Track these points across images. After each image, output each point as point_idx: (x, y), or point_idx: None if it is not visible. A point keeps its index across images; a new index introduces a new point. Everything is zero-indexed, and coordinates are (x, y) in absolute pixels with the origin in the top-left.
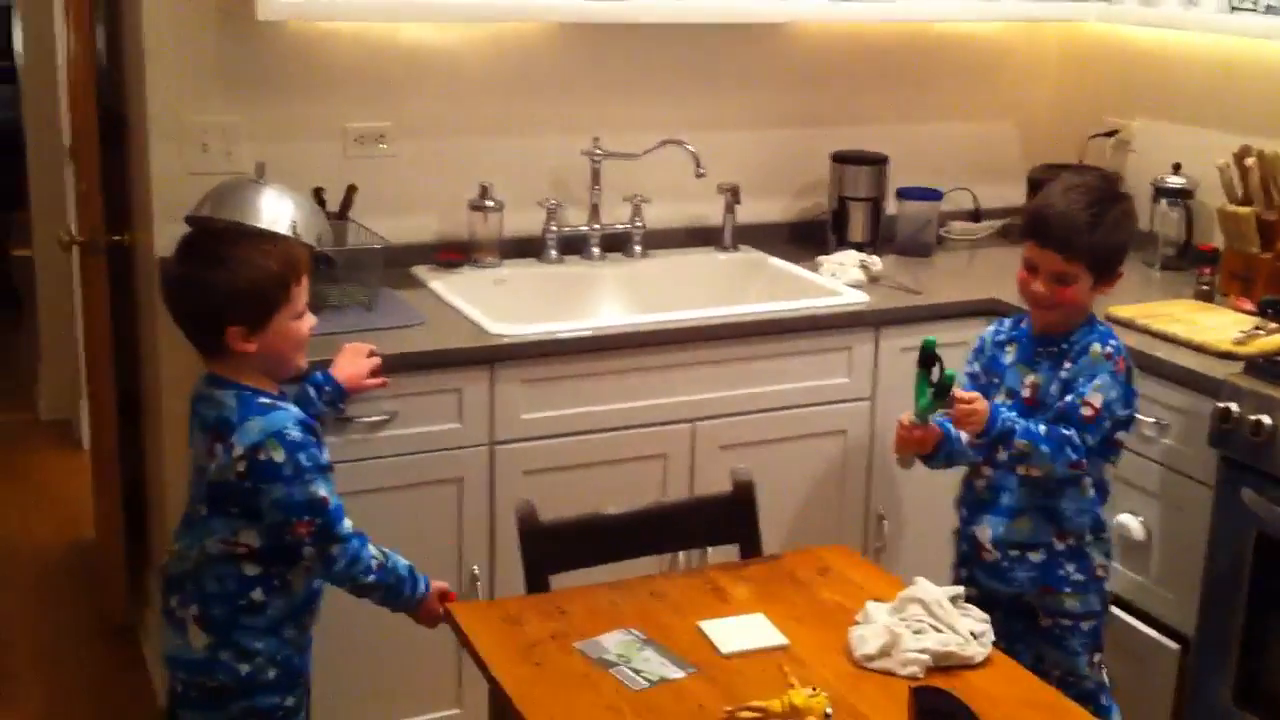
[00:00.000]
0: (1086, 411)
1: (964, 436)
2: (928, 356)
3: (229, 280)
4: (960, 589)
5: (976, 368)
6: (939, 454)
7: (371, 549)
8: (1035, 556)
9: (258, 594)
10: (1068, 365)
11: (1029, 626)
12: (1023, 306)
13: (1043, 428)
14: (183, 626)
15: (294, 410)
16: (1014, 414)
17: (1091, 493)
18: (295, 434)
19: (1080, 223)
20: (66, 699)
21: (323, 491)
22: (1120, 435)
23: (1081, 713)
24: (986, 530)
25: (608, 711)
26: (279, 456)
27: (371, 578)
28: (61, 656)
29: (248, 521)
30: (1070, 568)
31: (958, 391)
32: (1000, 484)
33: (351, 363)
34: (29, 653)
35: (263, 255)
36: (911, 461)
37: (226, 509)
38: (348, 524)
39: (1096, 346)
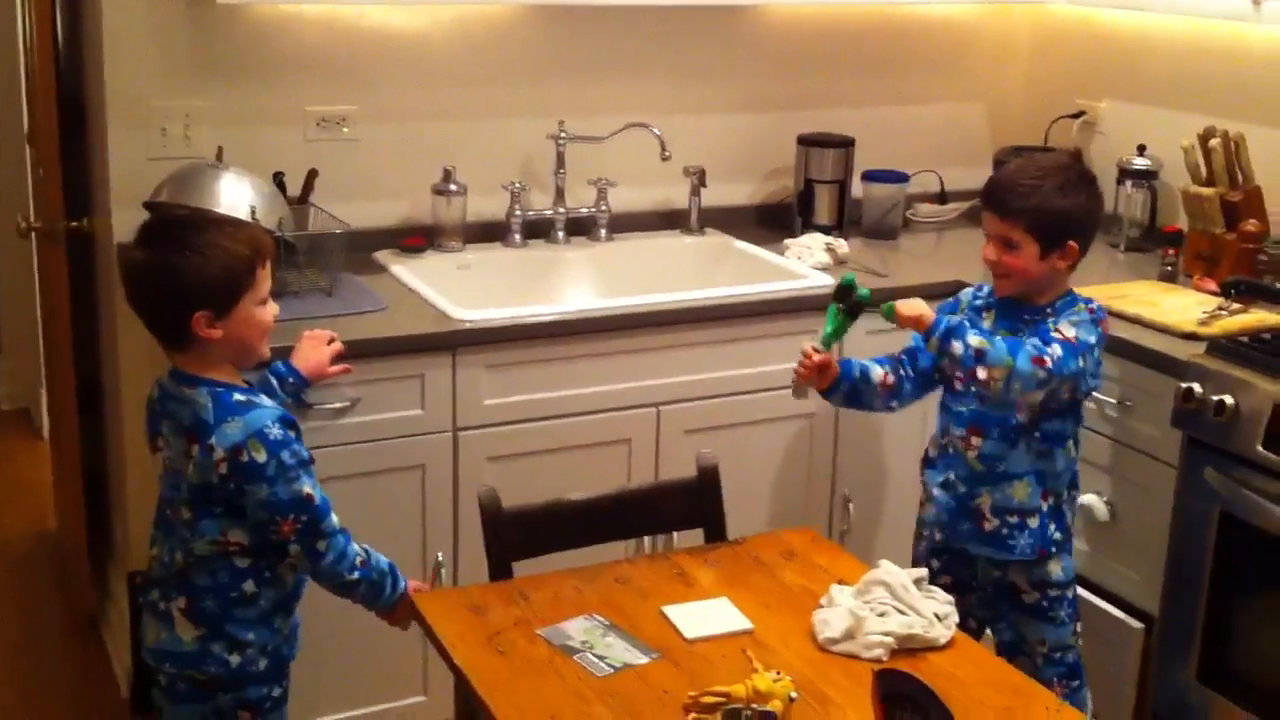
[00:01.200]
0: (1056, 335)
1: (875, 374)
2: (843, 291)
3: (199, 266)
4: (924, 571)
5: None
6: (838, 388)
7: (355, 546)
8: (1033, 522)
9: (249, 586)
10: (1052, 322)
11: (1011, 605)
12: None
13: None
14: (168, 619)
15: (272, 406)
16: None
17: (1073, 451)
18: (276, 432)
19: (1021, 186)
20: (33, 691)
21: (308, 488)
22: (1082, 399)
23: (1046, 693)
24: (987, 499)
25: (572, 698)
26: (261, 456)
27: (356, 574)
28: (27, 648)
29: (235, 520)
30: (1052, 526)
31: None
32: (992, 452)
33: (312, 350)
34: None
35: (230, 240)
36: (805, 392)
37: (211, 510)
38: (334, 519)
39: (1081, 304)
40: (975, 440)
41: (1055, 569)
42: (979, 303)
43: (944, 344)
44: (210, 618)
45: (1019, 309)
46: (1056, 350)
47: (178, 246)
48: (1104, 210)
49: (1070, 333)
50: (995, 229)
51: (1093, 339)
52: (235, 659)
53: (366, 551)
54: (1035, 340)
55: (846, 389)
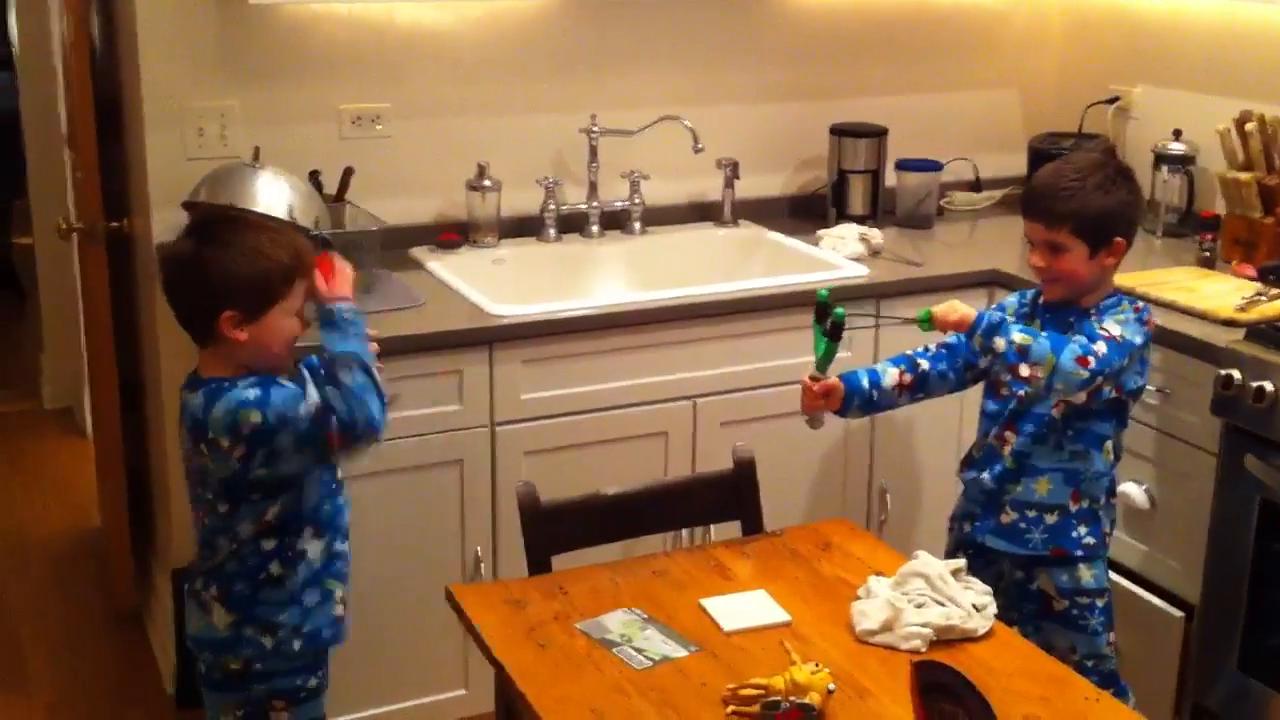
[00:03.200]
0: (1102, 333)
1: (889, 378)
2: (821, 309)
3: (236, 265)
4: (962, 562)
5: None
6: (850, 405)
7: (343, 378)
8: (1051, 518)
9: (275, 568)
10: (1096, 321)
11: (1038, 611)
12: (1024, 278)
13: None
14: (206, 607)
15: (246, 379)
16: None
17: (1112, 456)
18: (254, 393)
19: (1061, 190)
20: (77, 686)
21: (311, 401)
22: (1124, 400)
23: (1084, 683)
24: (1011, 493)
25: (611, 692)
26: (256, 418)
27: (363, 377)
28: (71, 644)
29: (271, 499)
30: (1082, 530)
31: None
32: (1023, 450)
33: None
34: (39, 641)
35: (272, 245)
36: (821, 420)
37: (248, 497)
38: (338, 402)
39: (1125, 303)
40: (1009, 436)
41: (1086, 575)
42: (1024, 309)
43: (987, 341)
44: (241, 602)
45: (1065, 312)
46: (1101, 348)
47: (219, 244)
48: (1144, 203)
49: (1116, 331)
50: (1041, 235)
51: (1139, 339)
52: (269, 641)
53: (336, 359)
54: (1081, 338)
55: (860, 403)
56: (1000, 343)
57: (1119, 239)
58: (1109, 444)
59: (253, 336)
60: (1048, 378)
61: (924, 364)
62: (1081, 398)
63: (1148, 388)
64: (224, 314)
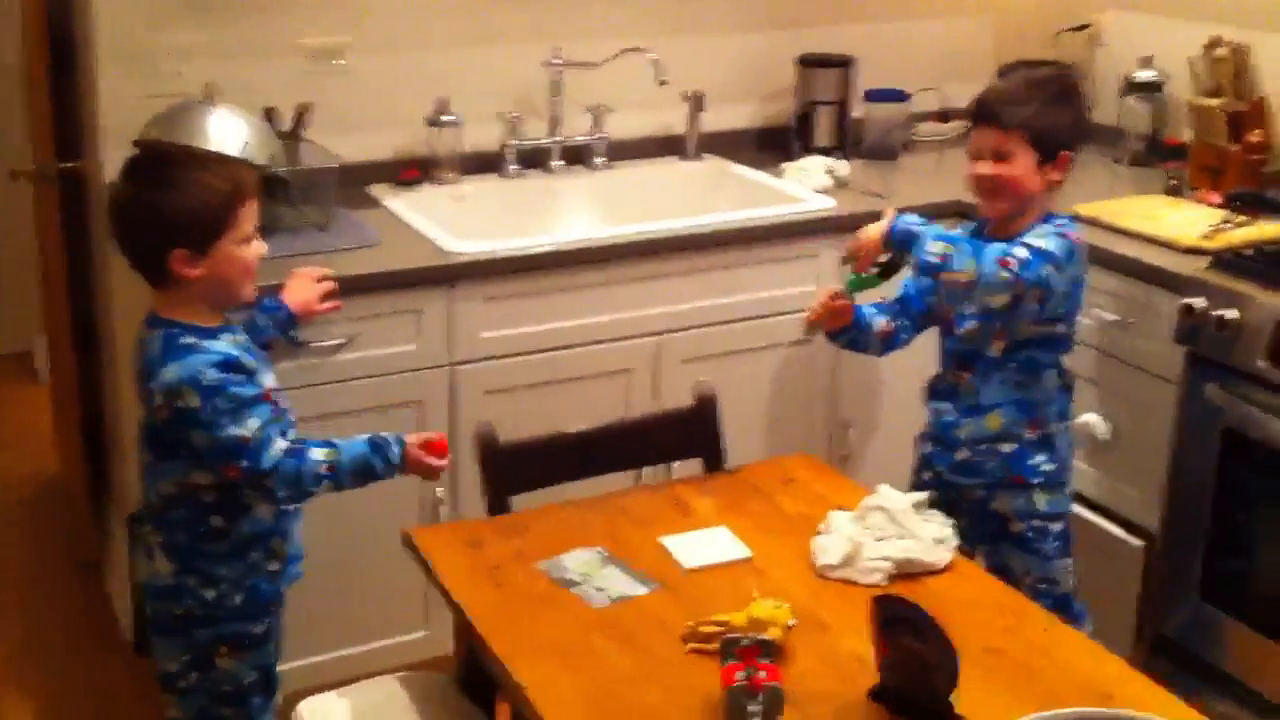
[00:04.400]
0: (1019, 250)
1: (877, 324)
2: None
3: (175, 201)
4: (924, 495)
5: None
6: (844, 333)
7: (316, 455)
8: (1006, 447)
9: (217, 521)
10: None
11: (996, 533)
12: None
13: None
14: (151, 553)
15: (215, 349)
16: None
17: (1058, 382)
18: (211, 376)
19: (1016, 95)
20: (36, 635)
21: (243, 430)
22: (1062, 329)
23: (1044, 613)
24: (966, 430)
25: (571, 630)
26: (195, 402)
27: (325, 484)
28: (30, 592)
29: (195, 463)
30: (1040, 458)
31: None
32: (976, 386)
33: (302, 287)
34: (1, 588)
35: (211, 176)
36: (815, 332)
37: (173, 453)
38: (275, 450)
39: (1047, 225)
40: (965, 375)
41: (1041, 500)
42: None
43: (898, 250)
44: (183, 553)
45: (997, 238)
46: (1021, 252)
47: (156, 182)
48: (1089, 121)
49: (1035, 242)
50: (991, 142)
51: (1058, 250)
52: (210, 593)
53: (335, 449)
54: (1000, 245)
55: (856, 335)
56: (914, 255)
57: (1065, 152)
58: (1052, 372)
59: (208, 270)
60: (971, 281)
61: (896, 321)
62: (1002, 300)
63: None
64: (174, 252)
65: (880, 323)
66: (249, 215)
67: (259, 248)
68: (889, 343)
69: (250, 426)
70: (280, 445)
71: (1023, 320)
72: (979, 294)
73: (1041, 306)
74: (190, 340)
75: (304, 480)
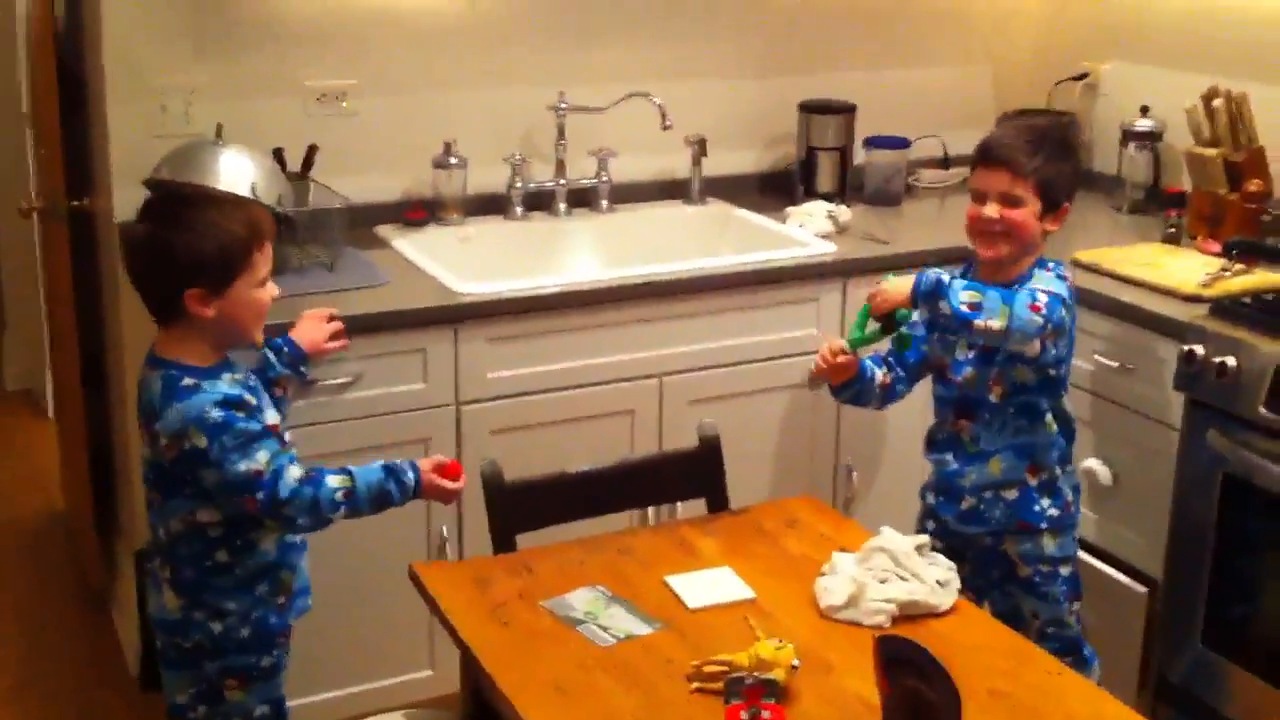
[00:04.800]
0: (1040, 295)
1: (879, 376)
2: (893, 321)
3: (192, 243)
4: (926, 538)
5: (915, 315)
6: (848, 388)
7: (332, 482)
8: (1010, 494)
9: (222, 555)
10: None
11: (1005, 576)
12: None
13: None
14: (160, 587)
15: (219, 387)
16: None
17: (1055, 426)
18: (215, 415)
19: (1028, 143)
20: (41, 668)
21: (254, 465)
22: (1059, 371)
23: (1047, 657)
24: (970, 478)
25: (576, 669)
26: (201, 443)
27: (341, 510)
28: (36, 626)
29: (203, 500)
30: (1045, 502)
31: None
32: (978, 434)
33: (311, 328)
34: (7, 623)
35: (227, 219)
36: (820, 385)
37: (179, 491)
38: (290, 478)
39: (1039, 271)
40: (964, 424)
41: (1049, 544)
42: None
43: (932, 304)
44: (190, 587)
45: (994, 286)
46: (1043, 295)
47: (174, 223)
48: (1083, 175)
49: (1048, 287)
50: (1001, 186)
51: (1065, 293)
52: (217, 626)
53: (350, 476)
54: (1026, 288)
55: (858, 390)
56: (946, 306)
57: (1066, 205)
58: (1048, 416)
59: (220, 312)
60: (1005, 328)
61: (893, 374)
62: (1035, 348)
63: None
64: (189, 292)
65: (880, 375)
66: (264, 259)
67: (272, 290)
68: (887, 395)
69: (260, 460)
70: (295, 473)
71: (1020, 365)
72: (1013, 341)
73: (1056, 347)
74: (191, 381)
75: (322, 506)
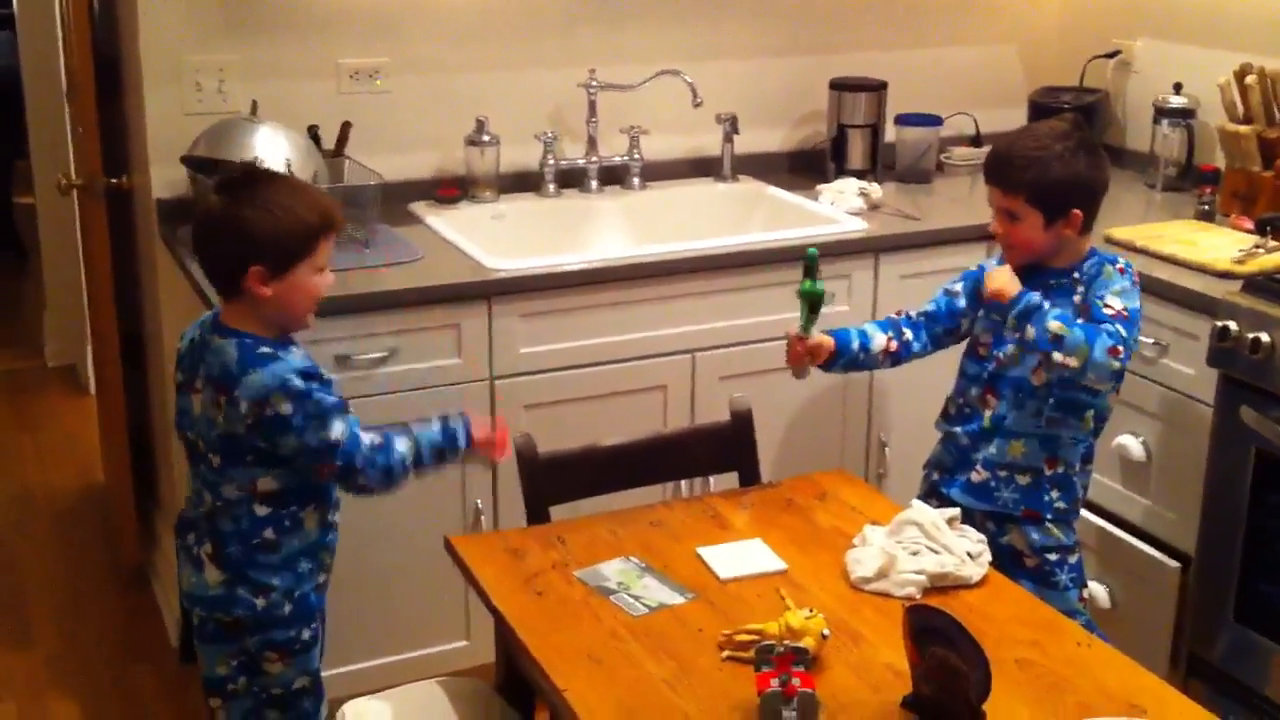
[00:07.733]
0: (1109, 311)
1: (876, 343)
2: (809, 268)
3: (265, 220)
4: (956, 510)
5: (958, 287)
6: (835, 363)
7: (400, 447)
8: (1023, 479)
9: (270, 533)
10: (1081, 290)
11: (1012, 570)
12: None
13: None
14: (199, 564)
15: (294, 359)
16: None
17: (1092, 424)
18: (298, 384)
19: (1018, 158)
20: (81, 641)
21: (335, 434)
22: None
23: (1078, 629)
24: (984, 452)
25: (608, 638)
26: (286, 409)
27: (411, 473)
28: (76, 600)
29: (265, 468)
30: (1055, 494)
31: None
32: (1003, 412)
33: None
34: (44, 596)
35: (301, 205)
36: (805, 372)
37: (241, 459)
38: (364, 446)
39: (1109, 266)
40: (991, 399)
41: (1056, 532)
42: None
43: (1020, 323)
44: (234, 563)
45: (1042, 274)
46: (1123, 332)
47: (250, 200)
48: (1107, 175)
49: (1119, 305)
50: (998, 202)
51: (1135, 302)
52: (261, 602)
53: (414, 439)
54: (1109, 327)
55: (845, 362)
56: (1032, 330)
57: (1076, 211)
58: (1090, 413)
59: (278, 293)
60: (1081, 367)
61: (908, 333)
62: (1109, 386)
63: (1145, 340)
64: (252, 268)
65: (880, 341)
66: (327, 249)
67: (329, 279)
68: (896, 359)
69: (337, 430)
70: (367, 441)
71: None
72: (1085, 380)
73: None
74: (268, 350)
75: (394, 473)
